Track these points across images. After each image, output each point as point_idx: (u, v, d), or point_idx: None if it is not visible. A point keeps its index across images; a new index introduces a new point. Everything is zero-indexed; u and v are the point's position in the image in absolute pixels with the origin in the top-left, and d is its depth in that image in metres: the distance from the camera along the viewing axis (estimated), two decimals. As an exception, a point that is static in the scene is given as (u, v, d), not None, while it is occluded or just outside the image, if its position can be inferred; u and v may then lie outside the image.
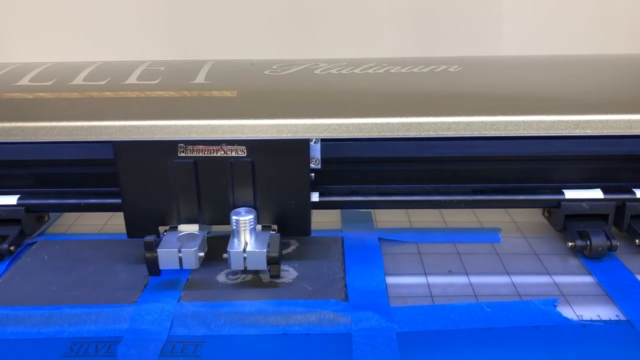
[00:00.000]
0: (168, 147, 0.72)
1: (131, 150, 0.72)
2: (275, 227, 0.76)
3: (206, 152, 0.73)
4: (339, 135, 0.71)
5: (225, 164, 0.73)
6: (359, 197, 0.81)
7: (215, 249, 0.76)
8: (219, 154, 0.73)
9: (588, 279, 0.73)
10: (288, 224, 0.76)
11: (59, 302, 0.68)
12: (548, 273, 0.75)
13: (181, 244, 0.71)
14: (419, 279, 0.74)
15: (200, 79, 0.82)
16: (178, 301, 0.68)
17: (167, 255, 0.70)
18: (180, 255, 0.70)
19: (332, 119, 0.71)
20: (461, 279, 0.73)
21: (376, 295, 0.69)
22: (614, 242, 0.76)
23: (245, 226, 0.71)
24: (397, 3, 1.25)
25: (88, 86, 0.80)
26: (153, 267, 0.70)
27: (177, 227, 0.76)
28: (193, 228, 0.76)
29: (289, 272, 0.74)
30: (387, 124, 0.71)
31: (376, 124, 0.71)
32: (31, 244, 0.83)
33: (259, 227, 0.75)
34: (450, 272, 0.75)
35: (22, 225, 0.81)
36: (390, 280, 0.73)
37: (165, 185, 0.74)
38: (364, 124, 0.71)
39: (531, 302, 0.67)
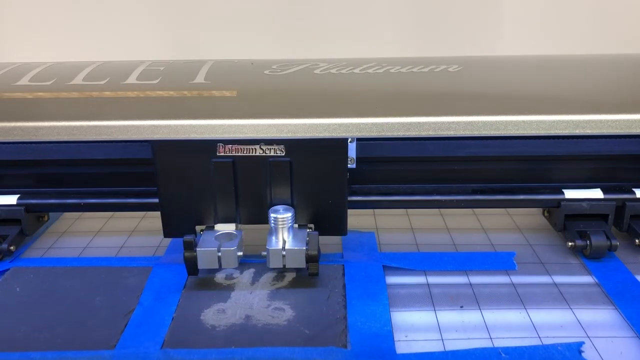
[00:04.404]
0: (207, 147, 0.72)
1: (169, 149, 0.72)
2: (311, 226, 0.76)
3: (245, 152, 0.72)
4: (339, 135, 0.71)
5: (263, 163, 0.73)
6: (359, 197, 0.81)
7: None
8: (257, 154, 0.72)
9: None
10: (324, 224, 0.76)
11: (29, 347, 0.61)
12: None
13: (220, 244, 0.71)
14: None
15: (200, 78, 0.82)
16: (161, 347, 0.61)
17: (206, 255, 0.70)
18: (220, 254, 0.70)
19: (332, 119, 0.71)
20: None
21: (381, 339, 0.62)
22: (614, 242, 0.76)
23: (283, 224, 0.70)
24: (397, 3, 1.25)
25: (88, 86, 0.80)
26: (192, 266, 0.69)
27: (213, 227, 0.75)
28: (229, 227, 0.75)
29: (284, 312, 0.67)
30: (387, 124, 0.70)
31: (376, 124, 0.70)
32: (3, 272, 0.76)
33: (295, 225, 0.75)
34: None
35: (22, 225, 0.82)
36: (395, 315, 0.67)
37: (203, 185, 0.74)
38: (363, 124, 0.71)
39: (554, 347, 0.60)
